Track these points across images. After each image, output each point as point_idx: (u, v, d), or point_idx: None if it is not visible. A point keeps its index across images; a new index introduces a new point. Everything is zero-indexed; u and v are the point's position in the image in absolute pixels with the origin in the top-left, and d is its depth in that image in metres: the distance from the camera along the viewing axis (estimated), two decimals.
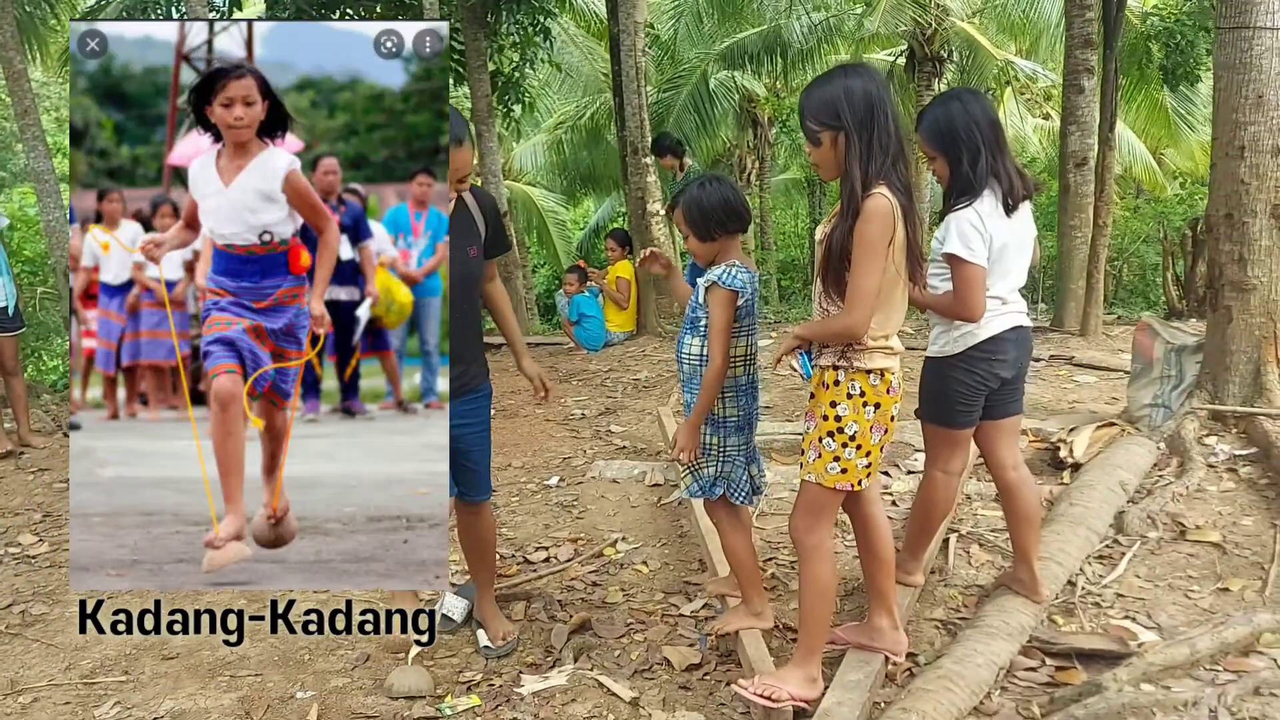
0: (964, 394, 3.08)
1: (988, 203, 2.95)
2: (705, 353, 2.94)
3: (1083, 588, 3.47)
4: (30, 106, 7.90)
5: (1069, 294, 8.22)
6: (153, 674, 3.26)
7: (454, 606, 3.49)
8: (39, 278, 11.01)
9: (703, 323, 2.96)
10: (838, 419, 2.68)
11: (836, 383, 2.69)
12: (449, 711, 2.93)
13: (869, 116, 2.52)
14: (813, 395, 2.78)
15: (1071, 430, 4.78)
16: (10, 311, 5.97)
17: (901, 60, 15.62)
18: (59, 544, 4.58)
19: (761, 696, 2.71)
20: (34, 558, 4.42)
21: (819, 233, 2.75)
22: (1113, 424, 4.82)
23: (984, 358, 3.04)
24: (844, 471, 2.70)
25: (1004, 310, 3.05)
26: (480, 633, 3.35)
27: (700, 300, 2.95)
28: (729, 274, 2.88)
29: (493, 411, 3.43)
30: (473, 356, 3.22)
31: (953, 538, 3.90)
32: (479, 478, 3.32)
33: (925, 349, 3.23)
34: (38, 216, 10.41)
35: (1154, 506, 3.96)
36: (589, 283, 9.37)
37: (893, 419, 2.74)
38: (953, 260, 2.92)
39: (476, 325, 3.29)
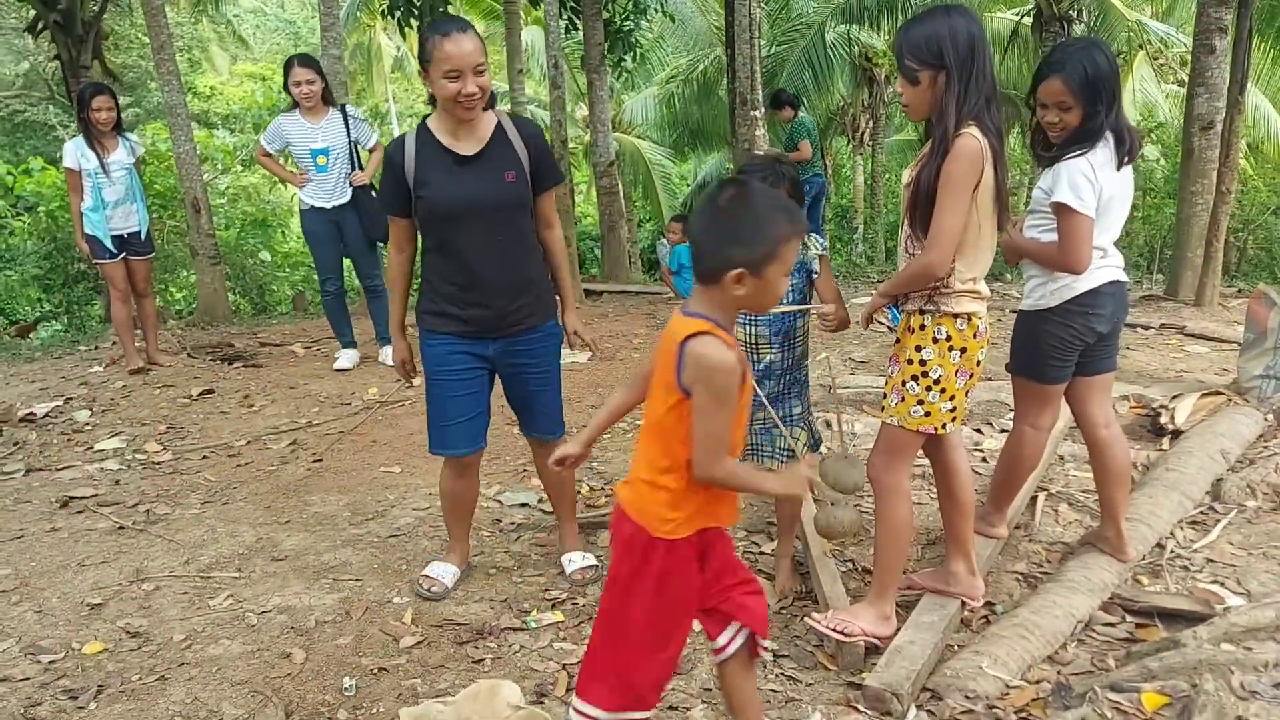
0: (1058, 348, 3.04)
1: (1101, 154, 2.89)
2: None
3: (1171, 551, 3.42)
4: (166, 42, 8.24)
5: (1185, 262, 7.87)
6: (263, 573, 3.49)
7: (444, 572, 3.38)
8: (167, 211, 11.50)
9: None
10: (922, 363, 2.69)
11: (923, 327, 2.70)
12: (534, 624, 3.07)
13: (970, 57, 2.51)
14: (898, 340, 2.80)
15: (1175, 397, 4.66)
16: (143, 236, 6.32)
17: (1028, 20, 15.06)
18: (181, 453, 4.89)
19: (835, 630, 2.77)
20: (158, 464, 4.74)
21: (906, 175, 2.74)
22: (1219, 393, 4.68)
23: (1081, 311, 2.99)
24: (927, 415, 2.71)
25: (1103, 263, 2.99)
26: (564, 559, 3.46)
27: None
28: None
29: (590, 355, 3.36)
30: (522, 290, 3.11)
31: (1041, 495, 3.87)
32: (548, 419, 3.31)
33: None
34: (169, 151, 10.87)
35: (1255, 476, 3.85)
36: None
37: (979, 364, 2.74)
38: (1062, 210, 2.86)
39: (522, 258, 3.11)
